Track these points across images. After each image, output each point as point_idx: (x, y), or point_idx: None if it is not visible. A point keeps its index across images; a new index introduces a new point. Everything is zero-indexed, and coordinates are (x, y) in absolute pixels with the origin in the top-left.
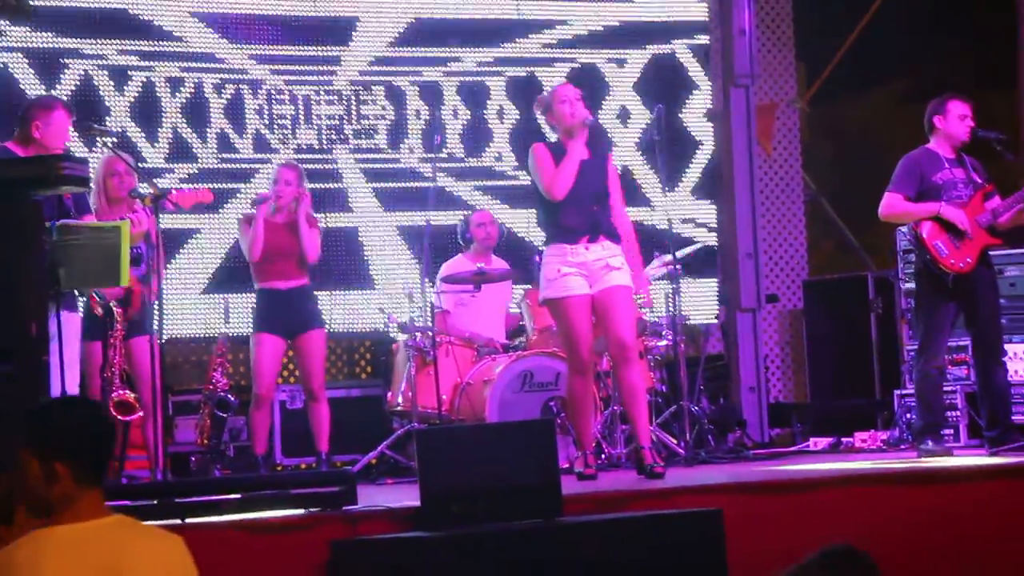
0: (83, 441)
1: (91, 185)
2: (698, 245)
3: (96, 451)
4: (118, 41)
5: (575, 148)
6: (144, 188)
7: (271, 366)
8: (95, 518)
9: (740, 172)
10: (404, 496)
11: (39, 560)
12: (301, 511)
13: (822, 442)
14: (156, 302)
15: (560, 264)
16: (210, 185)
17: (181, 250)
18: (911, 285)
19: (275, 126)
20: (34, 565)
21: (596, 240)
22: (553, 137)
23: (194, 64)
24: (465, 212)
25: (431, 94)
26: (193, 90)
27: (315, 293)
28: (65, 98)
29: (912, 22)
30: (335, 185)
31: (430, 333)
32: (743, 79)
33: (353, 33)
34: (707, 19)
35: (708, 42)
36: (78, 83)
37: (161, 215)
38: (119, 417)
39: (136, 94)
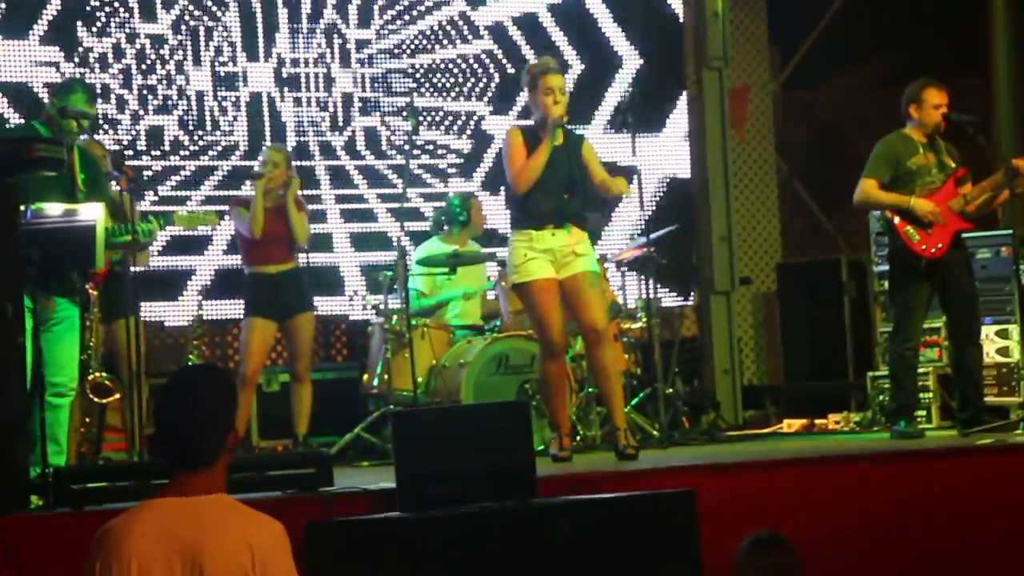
0: (166, 432)
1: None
2: (672, 227)
3: (179, 441)
4: None
5: (544, 147)
6: (118, 172)
7: (261, 349)
8: (196, 495)
9: (714, 155)
10: (380, 478)
11: (132, 528)
12: (277, 493)
13: (795, 424)
14: (133, 285)
15: (526, 249)
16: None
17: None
18: (884, 268)
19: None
20: (127, 533)
21: (561, 226)
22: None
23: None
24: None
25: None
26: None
27: (305, 275)
28: None
29: (885, 6)
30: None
31: (405, 316)
32: (716, 62)
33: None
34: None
35: None
36: None
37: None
38: (95, 399)
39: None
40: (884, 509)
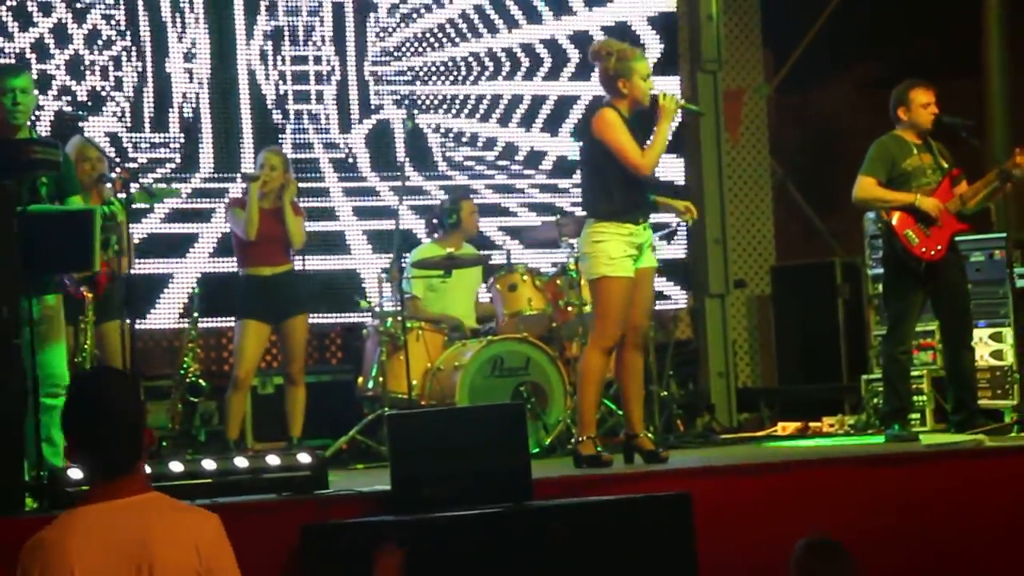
0: (86, 443)
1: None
2: (666, 230)
3: (103, 451)
4: None
5: (666, 130)
6: (114, 174)
7: (255, 351)
8: (127, 497)
9: (708, 158)
10: (375, 480)
11: (66, 539)
12: (272, 496)
13: (790, 427)
14: (126, 287)
15: (626, 244)
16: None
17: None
18: (879, 271)
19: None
20: (61, 545)
21: (647, 219)
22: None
23: None
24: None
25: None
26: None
27: (299, 277)
28: None
29: (878, 8)
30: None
31: (400, 318)
32: (710, 65)
33: None
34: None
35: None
36: None
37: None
38: None
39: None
40: (879, 512)
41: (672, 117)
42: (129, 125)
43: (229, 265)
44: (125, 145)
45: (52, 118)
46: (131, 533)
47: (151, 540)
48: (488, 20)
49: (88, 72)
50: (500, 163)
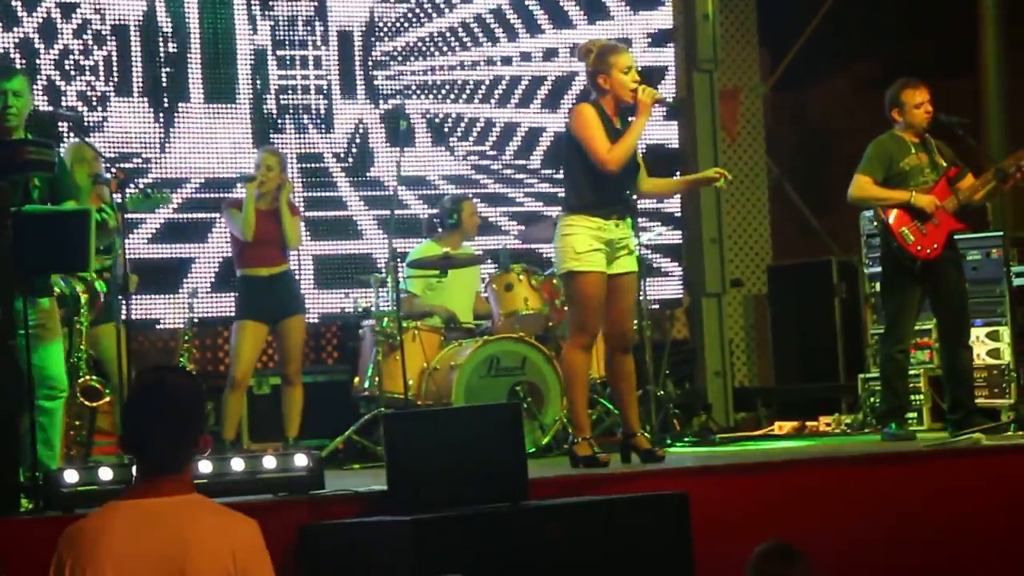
0: (138, 438)
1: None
2: (662, 231)
3: (153, 449)
4: None
5: (641, 125)
6: (110, 175)
7: (251, 352)
8: (170, 495)
9: (704, 157)
10: (371, 480)
11: (105, 529)
12: (269, 496)
13: (787, 426)
14: (121, 287)
15: (592, 238)
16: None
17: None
18: (875, 270)
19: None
20: (99, 534)
21: (624, 218)
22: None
23: None
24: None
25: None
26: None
27: (296, 278)
28: None
29: (874, 8)
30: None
31: (396, 317)
32: (706, 64)
33: None
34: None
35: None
36: None
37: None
38: (86, 403)
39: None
40: (875, 511)
41: (649, 112)
42: (121, 126)
43: (228, 302)
44: (117, 145)
45: (43, 117)
46: (167, 532)
47: (186, 540)
48: (506, 23)
49: (76, 72)
50: (517, 162)
